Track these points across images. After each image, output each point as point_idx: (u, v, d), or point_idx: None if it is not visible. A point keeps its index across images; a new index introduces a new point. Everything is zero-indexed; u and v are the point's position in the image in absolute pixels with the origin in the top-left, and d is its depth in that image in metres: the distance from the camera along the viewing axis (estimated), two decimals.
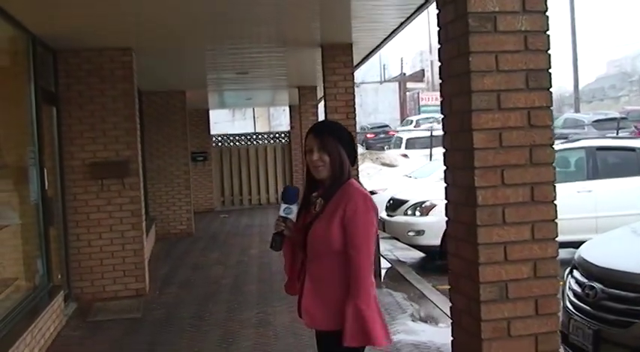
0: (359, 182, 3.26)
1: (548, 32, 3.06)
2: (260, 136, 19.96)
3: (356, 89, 8.88)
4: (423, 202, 9.66)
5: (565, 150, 9.64)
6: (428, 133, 27.75)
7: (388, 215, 10.15)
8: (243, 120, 40.53)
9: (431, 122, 36.01)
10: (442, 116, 3.34)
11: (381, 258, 8.88)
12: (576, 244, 5.59)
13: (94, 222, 7.98)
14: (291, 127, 19.22)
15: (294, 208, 3.21)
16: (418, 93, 52.68)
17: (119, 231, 8.05)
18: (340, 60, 8.58)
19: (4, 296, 5.82)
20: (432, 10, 7.05)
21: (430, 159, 22.21)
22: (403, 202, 9.99)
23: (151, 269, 8.96)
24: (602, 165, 9.76)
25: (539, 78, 3.03)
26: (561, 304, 4.49)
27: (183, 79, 12.15)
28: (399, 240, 10.20)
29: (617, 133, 19.49)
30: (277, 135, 19.94)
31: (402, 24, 7.65)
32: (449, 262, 3.34)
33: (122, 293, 8.05)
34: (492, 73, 2.98)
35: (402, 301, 7.38)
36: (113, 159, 7.99)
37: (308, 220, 3.18)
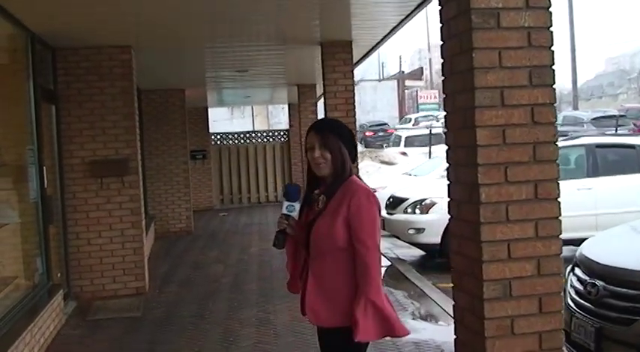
0: (360, 179, 3.24)
1: (551, 28, 3.05)
2: (259, 134, 19.93)
3: (355, 87, 8.86)
4: (423, 200, 9.65)
5: (565, 148, 9.61)
6: (427, 131, 27.78)
7: (388, 213, 10.13)
8: (242, 118, 40.48)
9: (430, 120, 36.05)
10: (444, 113, 3.32)
11: (381, 256, 8.86)
12: (576, 242, 5.57)
13: (93, 221, 7.96)
14: (290, 125, 19.19)
15: (297, 206, 3.21)
16: (417, 91, 52.69)
17: (119, 229, 8.03)
18: (340, 57, 8.56)
19: (3, 295, 5.80)
20: (431, 7, 7.07)
21: (429, 157, 22.20)
22: (403, 200, 9.98)
23: (150, 268, 8.94)
24: (602, 162, 9.75)
25: (543, 74, 3.02)
26: (563, 302, 4.47)
27: (183, 77, 12.13)
28: (399, 238, 10.18)
29: (616, 131, 19.47)
30: (276, 133, 19.92)
31: (402, 21, 7.63)
32: (451, 260, 3.33)
33: (122, 292, 8.03)
34: (495, 69, 2.96)
35: (403, 299, 7.36)
36: (113, 157, 7.97)
37: (311, 217, 3.17)
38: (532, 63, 3.00)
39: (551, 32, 3.04)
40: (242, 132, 20.05)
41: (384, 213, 10.15)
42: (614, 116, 23.58)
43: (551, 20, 3.04)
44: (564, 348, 4.16)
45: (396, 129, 34.04)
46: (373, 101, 44.51)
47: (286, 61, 10.81)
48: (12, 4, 5.80)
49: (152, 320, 6.99)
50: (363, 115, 40.07)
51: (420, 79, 52.66)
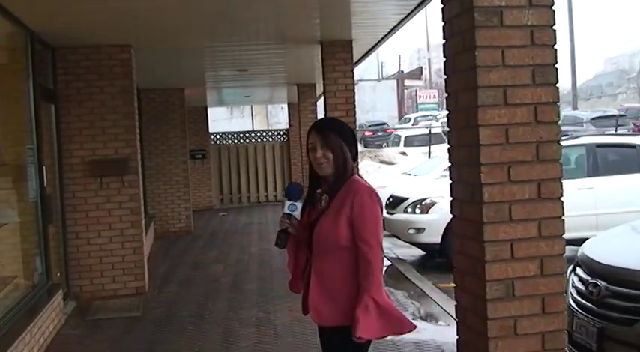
0: (361, 177, 3.24)
1: (554, 27, 3.03)
2: (259, 134, 19.91)
3: (355, 86, 8.85)
4: (424, 200, 9.63)
5: (565, 147, 9.53)
6: (426, 131, 27.78)
7: (388, 213, 10.11)
8: (241, 117, 40.48)
9: (429, 120, 36.04)
10: (447, 112, 3.31)
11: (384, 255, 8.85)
12: (576, 242, 5.56)
13: (93, 220, 7.94)
14: (290, 125, 19.17)
15: (299, 205, 3.19)
16: (416, 91, 52.68)
17: (118, 229, 8.01)
18: (340, 57, 8.55)
19: (3, 295, 5.79)
20: (430, 7, 7.06)
21: (429, 157, 22.19)
22: (403, 200, 9.96)
23: (150, 268, 8.93)
24: (602, 162, 9.74)
25: (546, 73, 3.00)
26: (566, 302, 4.45)
27: (182, 77, 12.11)
28: (399, 238, 10.16)
29: (616, 130, 19.48)
30: (276, 132, 19.89)
31: (402, 20, 7.62)
32: (454, 260, 3.31)
33: (121, 292, 8.02)
34: (499, 68, 2.95)
35: (403, 299, 7.35)
36: (112, 156, 7.95)
37: (313, 217, 3.17)
38: (535, 61, 2.99)
39: (554, 31, 3.03)
40: (242, 132, 20.03)
41: (384, 212, 10.14)
42: (614, 116, 23.60)
43: (554, 19, 3.03)
44: (566, 349, 4.15)
45: (395, 129, 34.02)
46: (372, 101, 44.52)
47: (286, 61, 10.80)
48: (12, 3, 5.78)
49: (152, 320, 6.97)
50: (363, 115, 40.07)
51: (420, 79, 52.64)
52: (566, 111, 30.97)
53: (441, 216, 9.17)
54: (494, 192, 2.95)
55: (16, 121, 6.70)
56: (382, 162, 25.73)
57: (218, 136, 19.37)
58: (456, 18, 3.10)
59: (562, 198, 3.03)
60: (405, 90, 50.25)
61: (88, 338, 6.46)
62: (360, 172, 6.73)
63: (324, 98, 8.66)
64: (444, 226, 9.10)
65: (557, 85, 3.04)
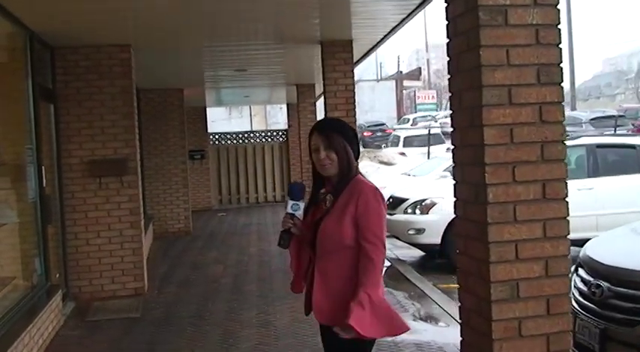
0: (363, 176, 3.22)
1: (559, 26, 3.01)
2: (258, 134, 19.87)
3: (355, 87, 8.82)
4: (423, 200, 9.60)
5: None
6: (425, 131, 27.77)
7: (388, 213, 10.05)
8: (240, 118, 40.41)
9: (428, 120, 36.04)
10: (450, 111, 3.28)
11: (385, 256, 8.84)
12: (577, 242, 5.53)
13: (92, 221, 7.91)
14: (289, 125, 19.13)
15: (301, 205, 3.18)
16: (414, 92, 52.70)
17: (117, 229, 7.98)
18: (340, 57, 8.52)
19: (1, 296, 5.76)
20: (429, 8, 7.03)
21: (428, 158, 22.17)
22: (403, 200, 9.93)
23: (149, 268, 8.90)
24: (602, 162, 9.73)
25: (551, 72, 2.98)
26: (570, 303, 4.43)
27: (181, 77, 12.08)
28: (398, 239, 10.14)
29: (615, 131, 19.47)
30: (275, 133, 19.86)
31: (402, 20, 7.60)
32: (457, 261, 3.28)
33: (121, 293, 7.98)
34: (503, 67, 2.92)
35: (403, 300, 7.33)
36: (111, 156, 7.92)
37: (317, 217, 3.16)
38: (540, 61, 2.96)
39: (559, 30, 3.00)
40: (241, 132, 20.00)
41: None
42: (613, 116, 23.58)
43: (559, 18, 3.00)
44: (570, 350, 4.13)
45: (394, 130, 34.02)
46: (371, 101, 44.50)
47: (285, 61, 10.78)
48: (11, 2, 5.75)
49: (151, 321, 6.94)
50: (361, 115, 40.02)
51: (418, 79, 52.65)
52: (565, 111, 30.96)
53: (441, 216, 9.16)
54: (499, 192, 2.92)
55: (15, 121, 6.67)
56: (381, 162, 25.73)
57: (217, 137, 19.35)
58: (461, 17, 3.07)
59: (567, 199, 3.01)
60: (404, 91, 50.24)
61: (87, 340, 6.43)
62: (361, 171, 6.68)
63: (324, 98, 8.63)
64: (444, 227, 9.10)
65: (562, 84, 3.02)
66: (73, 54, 7.84)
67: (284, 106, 21.54)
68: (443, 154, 20.30)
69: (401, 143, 29.39)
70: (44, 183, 6.88)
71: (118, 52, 7.95)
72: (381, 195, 3.09)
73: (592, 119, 24.69)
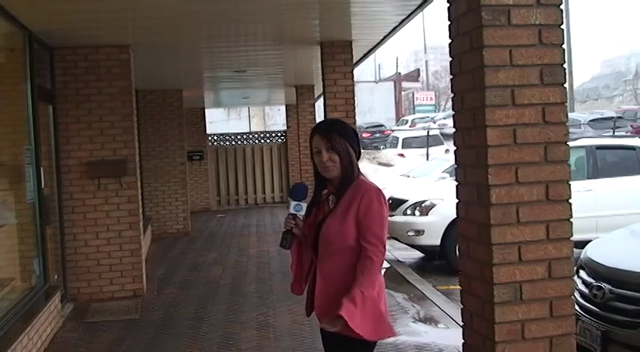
0: (364, 176, 3.21)
1: (562, 26, 2.99)
2: (256, 135, 19.82)
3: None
4: (423, 202, 9.58)
5: None
6: (424, 133, 27.78)
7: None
8: (239, 119, 40.41)
9: (426, 122, 36.06)
10: (453, 112, 3.26)
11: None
12: (577, 244, 5.52)
13: (90, 222, 7.88)
14: (288, 127, 19.11)
15: (304, 205, 3.17)
16: (413, 93, 52.72)
17: (116, 230, 7.95)
18: (340, 58, 8.51)
19: (0, 297, 5.73)
20: (428, 9, 7.01)
21: (427, 159, 22.18)
22: (402, 202, 9.91)
23: (148, 270, 8.87)
24: (602, 164, 9.73)
25: (554, 73, 2.96)
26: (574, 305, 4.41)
27: (181, 78, 12.06)
28: (398, 240, 10.12)
29: (614, 132, 19.49)
30: (274, 134, 19.82)
31: (403, 21, 7.58)
32: (460, 263, 3.26)
33: (119, 294, 7.95)
34: (506, 67, 2.90)
35: (403, 302, 7.30)
36: (110, 158, 7.88)
37: (320, 217, 3.14)
38: (543, 61, 2.94)
39: (562, 30, 2.99)
40: (239, 134, 19.97)
41: None
42: (612, 118, 23.61)
43: (561, 18, 2.98)
44: None
45: (392, 131, 34.02)
46: (370, 102, 44.53)
47: (285, 62, 10.76)
48: (9, 2, 5.72)
49: (150, 323, 6.91)
50: (360, 117, 39.87)
51: (417, 81, 52.68)
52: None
53: (440, 218, 9.14)
54: (502, 193, 2.90)
55: (13, 122, 6.65)
56: (380, 164, 25.74)
57: (216, 138, 19.32)
58: (463, 17, 3.05)
59: (570, 200, 2.99)
60: (402, 92, 50.25)
61: (86, 341, 6.39)
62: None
63: (324, 99, 8.62)
64: (444, 228, 9.08)
65: (565, 85, 3.00)
66: (72, 55, 7.81)
67: (283, 108, 21.53)
68: (442, 156, 20.32)
69: (399, 144, 29.40)
70: (43, 185, 6.86)
71: (117, 53, 7.92)
72: (385, 197, 3.08)
73: (590, 121, 24.72)
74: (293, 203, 3.17)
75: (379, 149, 30.78)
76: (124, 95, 7.96)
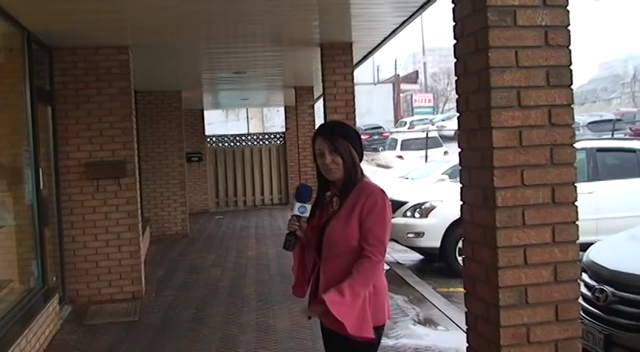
0: (367, 178, 3.19)
1: (569, 27, 2.96)
2: (255, 137, 19.79)
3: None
4: (423, 204, 9.56)
5: None
6: (423, 134, 27.79)
7: None
8: (237, 121, 40.36)
9: (425, 123, 36.08)
10: (457, 114, 3.23)
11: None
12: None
13: (89, 224, 7.85)
14: (287, 128, 19.08)
15: (308, 207, 3.15)
16: (411, 95, 52.72)
17: (115, 232, 7.91)
18: (340, 59, 8.49)
19: None
20: (427, 11, 6.97)
21: (426, 161, 22.16)
22: (402, 203, 9.87)
23: (146, 272, 8.83)
24: (602, 166, 9.70)
25: (560, 74, 2.93)
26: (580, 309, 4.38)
27: (179, 79, 12.03)
28: (397, 242, 10.09)
29: (613, 135, 19.51)
30: (272, 136, 19.78)
31: (403, 23, 7.55)
32: (464, 265, 3.23)
33: (118, 296, 7.92)
34: (512, 68, 2.87)
35: (403, 304, 7.27)
36: (109, 159, 7.85)
37: (324, 219, 3.12)
38: (549, 62, 2.91)
39: (569, 31, 2.95)
40: (238, 135, 19.93)
41: None
42: (611, 120, 23.64)
43: (568, 19, 2.95)
44: None
45: (391, 133, 34.03)
46: (368, 104, 44.48)
47: (284, 63, 10.73)
48: (8, 2, 5.70)
49: (149, 325, 6.88)
50: (358, 118, 39.80)
51: (415, 83, 52.70)
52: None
53: (440, 220, 9.12)
54: (508, 196, 2.87)
55: (12, 123, 6.61)
56: (379, 165, 25.72)
57: (214, 139, 19.28)
58: (468, 17, 3.02)
59: (576, 203, 2.96)
60: (401, 94, 50.25)
61: (85, 344, 6.36)
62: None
63: (324, 101, 8.59)
64: (444, 230, 9.06)
65: (571, 86, 2.97)
66: (71, 55, 7.78)
67: (281, 109, 21.50)
68: (441, 157, 20.31)
69: (398, 146, 29.39)
70: (41, 186, 6.83)
71: (116, 54, 7.89)
72: (388, 199, 3.07)
73: (589, 123, 24.75)
74: (297, 205, 3.15)
75: (378, 151, 30.75)
76: (123, 96, 7.93)
